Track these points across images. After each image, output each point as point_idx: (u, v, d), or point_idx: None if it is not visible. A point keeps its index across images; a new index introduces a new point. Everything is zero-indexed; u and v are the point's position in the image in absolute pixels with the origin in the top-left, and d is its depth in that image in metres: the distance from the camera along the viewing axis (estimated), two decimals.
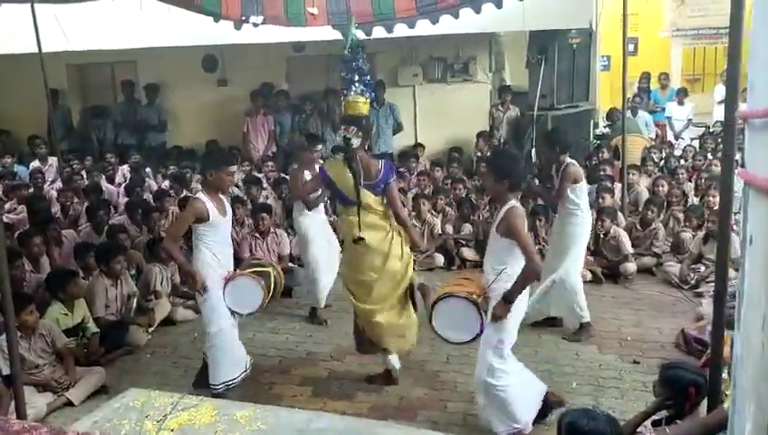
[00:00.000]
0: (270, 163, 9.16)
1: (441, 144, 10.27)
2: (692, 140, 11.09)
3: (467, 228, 7.47)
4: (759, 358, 1.37)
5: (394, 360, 4.62)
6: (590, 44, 9.41)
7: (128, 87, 10.65)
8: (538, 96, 9.00)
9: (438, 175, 8.73)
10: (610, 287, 6.49)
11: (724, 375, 3.26)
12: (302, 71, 10.55)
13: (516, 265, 3.65)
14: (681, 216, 7.23)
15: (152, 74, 10.61)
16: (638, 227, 7.12)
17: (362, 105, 4.36)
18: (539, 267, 3.69)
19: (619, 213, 7.28)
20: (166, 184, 8.55)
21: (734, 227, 4.03)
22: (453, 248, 7.28)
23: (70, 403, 4.54)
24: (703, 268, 6.37)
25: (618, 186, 7.82)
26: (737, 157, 3.69)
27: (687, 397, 3.18)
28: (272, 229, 6.72)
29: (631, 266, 6.60)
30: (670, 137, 11.21)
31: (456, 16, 6.31)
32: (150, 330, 5.69)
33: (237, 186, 7.89)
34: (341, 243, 4.68)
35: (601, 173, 7.99)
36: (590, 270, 6.47)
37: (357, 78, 4.29)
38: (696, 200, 7.85)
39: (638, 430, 3.32)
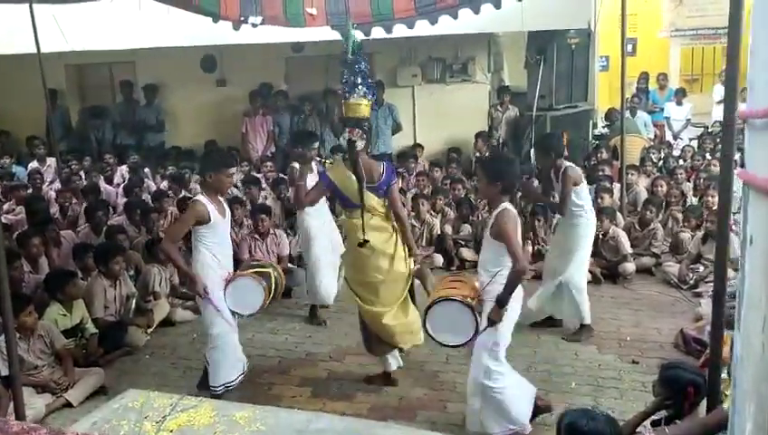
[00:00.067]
0: (269, 163, 9.16)
1: (440, 144, 10.27)
2: (691, 140, 11.10)
3: (466, 229, 7.48)
4: (759, 359, 1.37)
5: (393, 359, 4.63)
6: (589, 45, 9.42)
7: (126, 87, 10.65)
8: (537, 96, 9.00)
9: (437, 175, 8.73)
10: (609, 287, 6.50)
11: (724, 375, 3.27)
12: (301, 71, 10.55)
13: (510, 267, 3.66)
14: (680, 216, 7.23)
15: (151, 75, 10.61)
16: (637, 227, 7.13)
17: (364, 107, 4.36)
18: (525, 268, 3.69)
19: (618, 213, 7.28)
20: (164, 184, 8.55)
21: (733, 227, 4.03)
22: (452, 249, 7.28)
23: (69, 404, 4.53)
24: (702, 268, 6.37)
25: (616, 186, 7.82)
26: (736, 157, 3.70)
27: (686, 397, 3.18)
28: (271, 230, 6.71)
29: (630, 267, 6.61)
30: (669, 137, 11.22)
31: (455, 17, 6.30)
32: (149, 331, 5.68)
33: (236, 186, 7.88)
34: (344, 239, 4.66)
35: (600, 173, 7.99)
36: (590, 270, 6.46)
37: (360, 80, 4.29)
38: (694, 200, 7.85)
39: (638, 430, 3.32)
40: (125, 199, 7.93)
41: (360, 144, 4.28)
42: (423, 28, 6.66)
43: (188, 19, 6.75)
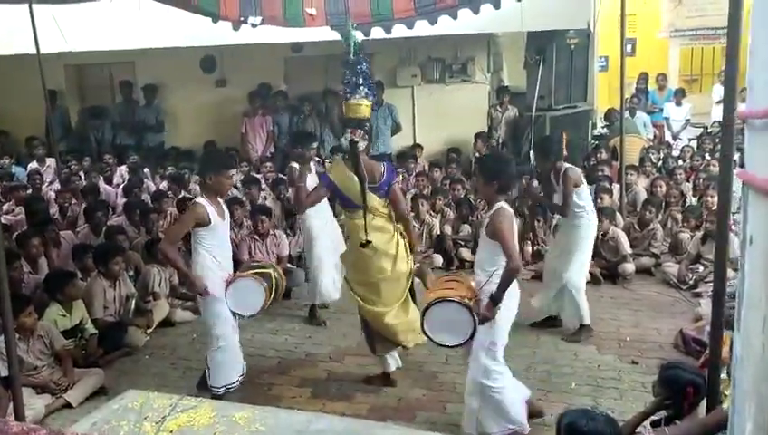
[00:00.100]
0: (268, 164, 9.16)
1: (439, 145, 10.27)
2: (690, 140, 11.09)
3: (466, 229, 7.48)
4: (759, 359, 1.37)
5: (392, 360, 4.63)
6: (588, 45, 9.43)
7: (126, 88, 10.65)
8: (536, 97, 9.00)
9: (437, 175, 8.74)
10: (609, 288, 6.50)
11: (723, 375, 3.27)
12: (301, 71, 10.55)
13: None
14: (679, 216, 7.23)
15: (150, 75, 10.61)
16: (637, 227, 7.13)
17: (365, 108, 4.37)
18: (519, 267, 3.70)
19: (618, 213, 7.29)
20: (164, 185, 8.55)
21: (733, 227, 4.03)
22: (451, 249, 7.28)
23: (68, 405, 4.53)
24: (701, 268, 6.38)
25: (616, 186, 7.82)
26: (735, 157, 3.71)
27: (686, 397, 3.18)
28: (271, 231, 6.71)
29: (630, 267, 6.61)
30: (668, 137, 11.22)
31: (455, 17, 6.30)
32: (149, 331, 5.68)
33: (236, 187, 7.88)
34: (346, 240, 4.67)
35: (599, 174, 7.99)
36: (589, 271, 6.46)
37: (362, 81, 4.30)
38: (694, 201, 7.86)
39: (637, 430, 3.32)
40: (124, 200, 7.92)
41: (362, 145, 4.29)
42: (422, 28, 6.66)
43: (188, 19, 6.75)
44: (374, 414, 4.24)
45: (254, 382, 4.70)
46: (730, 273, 3.49)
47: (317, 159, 5.74)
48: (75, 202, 7.80)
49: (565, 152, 5.29)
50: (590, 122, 10.29)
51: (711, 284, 3.67)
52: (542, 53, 8.94)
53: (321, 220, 5.74)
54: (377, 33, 6.66)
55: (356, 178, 4.24)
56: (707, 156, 9.17)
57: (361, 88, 4.29)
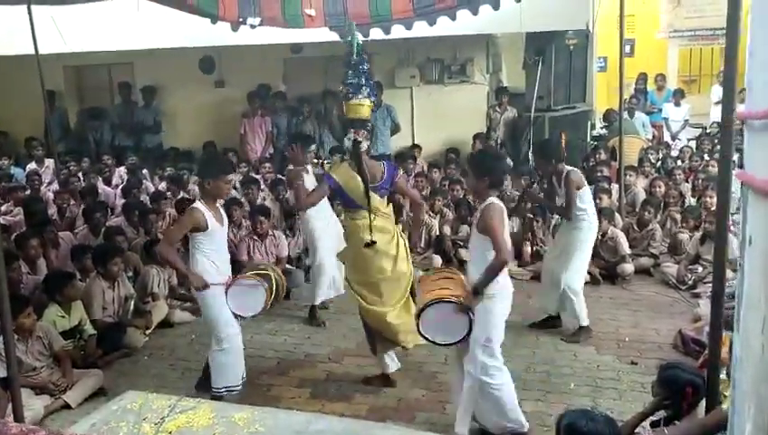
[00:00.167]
0: (267, 164, 9.17)
1: (438, 145, 10.27)
2: (689, 140, 11.10)
3: (465, 229, 7.46)
4: (759, 360, 1.37)
5: (392, 361, 4.63)
6: (587, 46, 9.43)
7: (125, 89, 10.64)
8: (535, 97, 9.02)
9: (436, 176, 8.73)
10: (608, 288, 6.50)
11: (722, 376, 3.27)
12: (300, 72, 10.55)
13: None
14: (678, 216, 7.23)
15: (149, 76, 10.61)
16: (636, 227, 7.13)
17: (367, 108, 4.39)
18: (506, 260, 3.69)
19: (617, 214, 7.29)
20: (163, 186, 8.54)
21: (732, 227, 4.03)
22: (450, 249, 7.28)
23: (67, 406, 4.52)
24: (700, 269, 6.38)
25: (615, 187, 7.83)
26: (734, 157, 3.71)
27: (685, 397, 3.18)
28: (270, 232, 6.70)
29: (629, 267, 6.61)
30: (667, 138, 11.22)
31: (454, 18, 6.30)
32: (148, 332, 5.67)
33: (235, 187, 7.88)
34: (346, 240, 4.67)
35: (598, 174, 8.00)
36: (588, 271, 6.47)
37: (364, 82, 4.31)
38: (693, 201, 7.86)
39: (637, 430, 3.32)
40: (123, 201, 7.92)
41: (365, 145, 4.31)
42: (421, 29, 6.66)
43: (187, 20, 6.75)
44: (373, 415, 4.24)
45: (253, 383, 4.69)
46: (729, 273, 3.48)
47: (315, 160, 5.73)
48: (74, 203, 7.79)
49: (565, 154, 5.29)
50: (589, 123, 10.30)
51: (710, 284, 3.67)
52: (540, 53, 8.96)
53: (323, 221, 5.74)
54: (375, 33, 6.65)
55: (359, 179, 4.25)
56: (706, 156, 9.18)
57: (364, 88, 4.30)
